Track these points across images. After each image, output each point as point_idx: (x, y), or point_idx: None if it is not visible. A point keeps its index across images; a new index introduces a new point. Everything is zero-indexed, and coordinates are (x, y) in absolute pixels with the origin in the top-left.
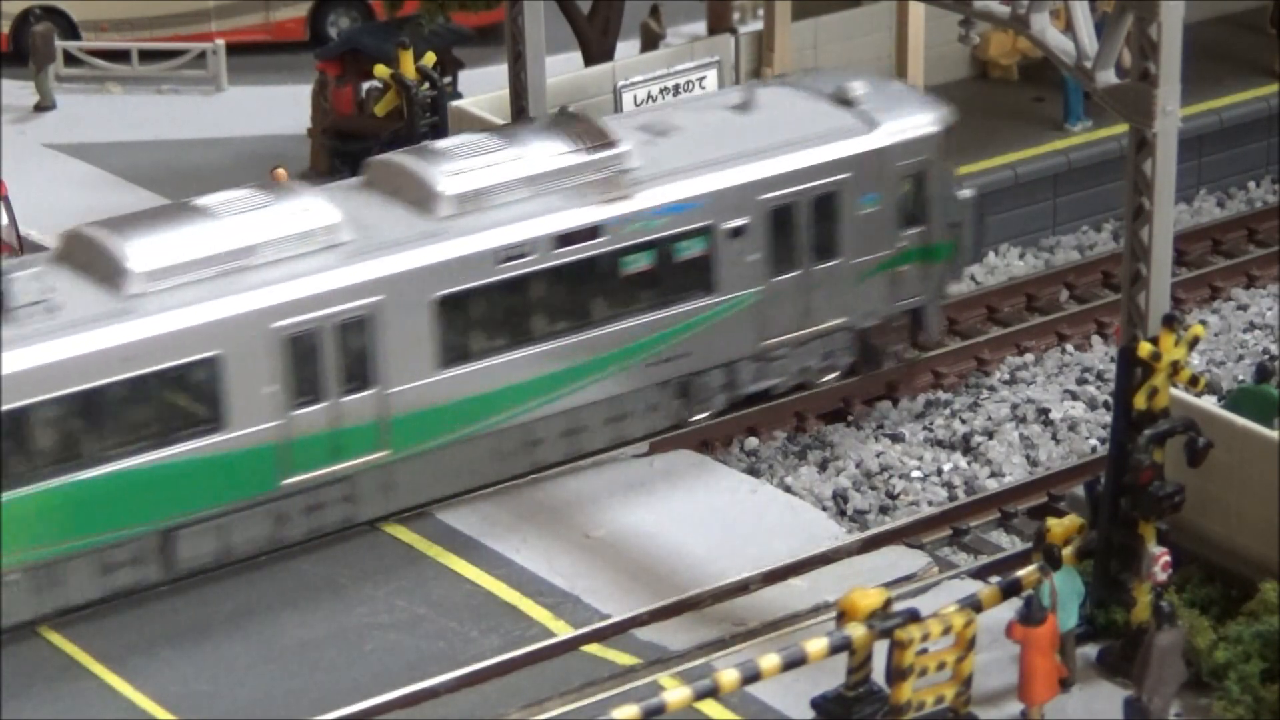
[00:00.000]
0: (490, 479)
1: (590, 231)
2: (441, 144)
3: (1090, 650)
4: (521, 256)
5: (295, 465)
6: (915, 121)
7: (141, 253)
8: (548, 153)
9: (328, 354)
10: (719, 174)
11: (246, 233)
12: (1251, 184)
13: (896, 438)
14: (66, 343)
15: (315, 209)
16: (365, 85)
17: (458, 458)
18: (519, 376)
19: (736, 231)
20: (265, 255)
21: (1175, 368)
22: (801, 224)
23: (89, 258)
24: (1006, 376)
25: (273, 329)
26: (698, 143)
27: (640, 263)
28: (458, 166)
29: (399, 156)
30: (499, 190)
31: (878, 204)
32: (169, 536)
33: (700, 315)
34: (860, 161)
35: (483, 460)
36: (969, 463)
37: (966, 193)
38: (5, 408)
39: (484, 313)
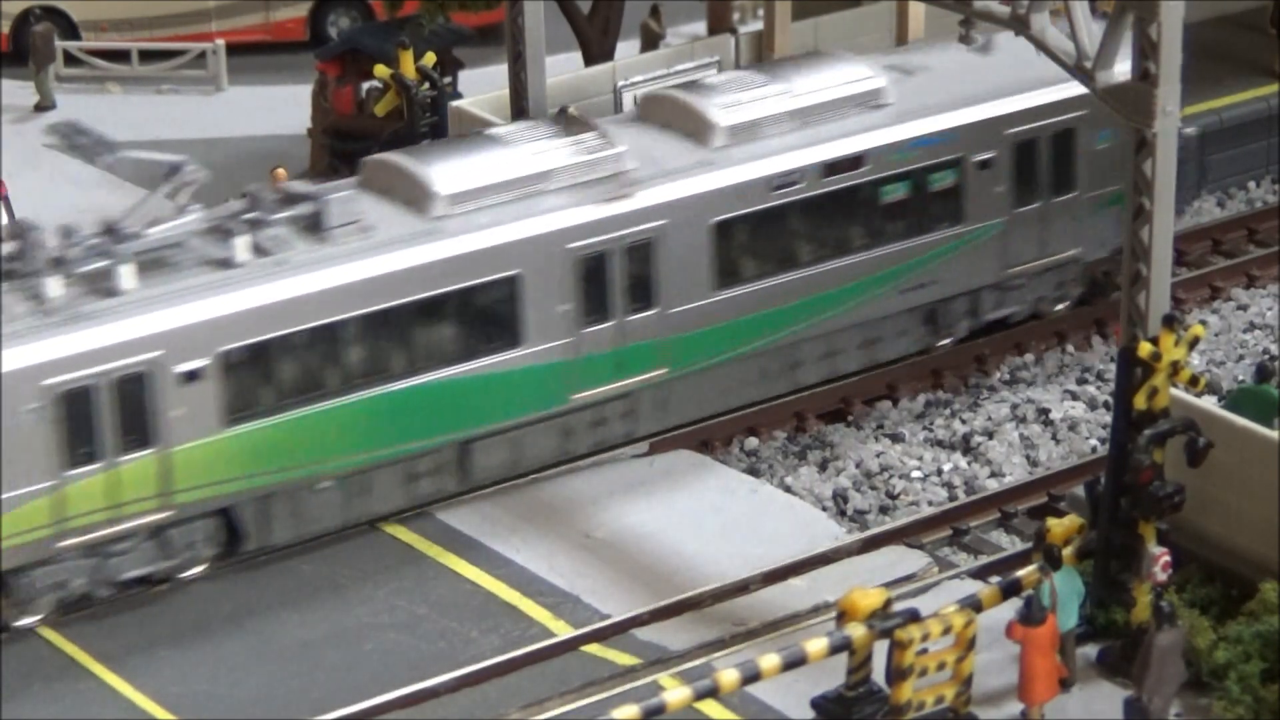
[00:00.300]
0: (754, 399)
1: (854, 161)
2: (712, 79)
3: (1090, 650)
4: (792, 184)
5: (584, 381)
6: None
7: (446, 177)
8: (810, 87)
9: (615, 275)
10: (968, 110)
11: (540, 160)
12: (1251, 184)
13: (896, 438)
14: (379, 261)
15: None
16: (365, 85)
17: (727, 377)
18: (785, 300)
19: (984, 164)
20: (558, 181)
21: (1175, 368)
22: (1042, 158)
23: (394, 183)
24: (1006, 376)
25: (568, 250)
26: (947, 81)
27: (897, 192)
28: (730, 100)
29: (673, 92)
30: (769, 122)
31: (1109, 141)
32: (466, 448)
33: (949, 243)
34: (1094, 100)
35: (749, 380)
36: (969, 463)
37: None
38: (322, 322)
39: (755, 238)
